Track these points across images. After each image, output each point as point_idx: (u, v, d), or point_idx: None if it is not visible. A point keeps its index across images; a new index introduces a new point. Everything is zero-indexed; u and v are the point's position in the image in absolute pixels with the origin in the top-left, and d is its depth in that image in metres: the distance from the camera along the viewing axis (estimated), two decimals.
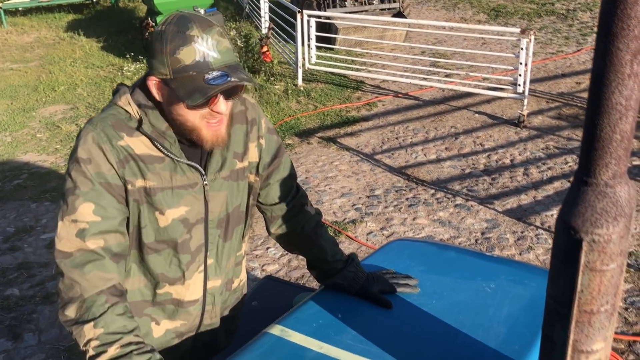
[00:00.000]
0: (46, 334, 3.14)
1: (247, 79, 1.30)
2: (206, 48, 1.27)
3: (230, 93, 1.34)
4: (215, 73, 1.27)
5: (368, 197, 4.44)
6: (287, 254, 3.74)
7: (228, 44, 1.32)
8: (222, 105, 1.33)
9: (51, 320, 3.23)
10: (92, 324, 1.28)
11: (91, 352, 1.28)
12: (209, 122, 1.35)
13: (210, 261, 1.52)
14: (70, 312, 1.31)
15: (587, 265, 0.92)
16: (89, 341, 1.28)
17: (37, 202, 4.62)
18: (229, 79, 1.27)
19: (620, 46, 0.82)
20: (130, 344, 1.28)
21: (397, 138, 5.49)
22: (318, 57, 7.13)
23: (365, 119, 5.98)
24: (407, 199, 4.38)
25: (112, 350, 1.27)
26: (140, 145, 1.37)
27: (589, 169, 0.91)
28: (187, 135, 1.38)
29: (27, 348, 3.05)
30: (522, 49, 5.42)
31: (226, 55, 1.30)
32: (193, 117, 1.33)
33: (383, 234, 3.94)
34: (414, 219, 4.11)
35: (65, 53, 8.91)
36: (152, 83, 1.33)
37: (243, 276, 1.72)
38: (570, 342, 0.98)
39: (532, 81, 6.17)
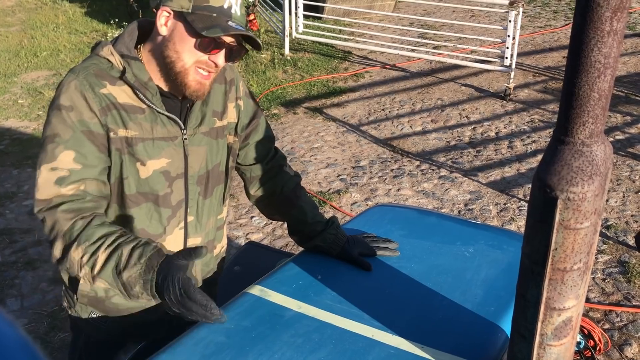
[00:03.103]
0: (28, 299, 3.14)
1: (259, 42, 1.40)
2: (234, 1, 1.34)
3: (233, 53, 1.39)
4: (234, 23, 1.34)
5: (353, 167, 4.45)
6: (271, 222, 3.74)
7: (245, 12, 1.41)
8: (222, 58, 1.37)
9: (33, 285, 3.23)
10: (75, 245, 1.27)
11: (86, 271, 1.26)
12: (199, 69, 1.36)
13: (190, 218, 1.53)
14: (57, 250, 1.30)
15: (561, 223, 0.93)
16: (79, 263, 1.26)
17: (19, 168, 4.57)
18: (247, 31, 1.34)
19: (600, 2, 0.82)
20: (115, 240, 1.27)
21: (383, 109, 5.47)
22: (305, 26, 7.04)
23: (352, 89, 5.95)
24: (392, 170, 4.39)
25: (102, 255, 1.25)
26: (122, 94, 1.37)
27: (566, 128, 0.91)
28: (171, 77, 1.38)
29: (9, 313, 3.04)
30: (510, 21, 5.40)
31: (243, 18, 1.39)
32: (188, 58, 1.35)
33: (367, 205, 3.95)
34: (398, 189, 4.12)
35: (47, 18, 8.72)
36: (163, 13, 1.34)
37: (224, 242, 1.73)
38: (543, 299, 0.99)
39: (519, 54, 6.16)
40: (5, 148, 4.93)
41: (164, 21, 1.35)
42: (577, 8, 0.85)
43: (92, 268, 1.26)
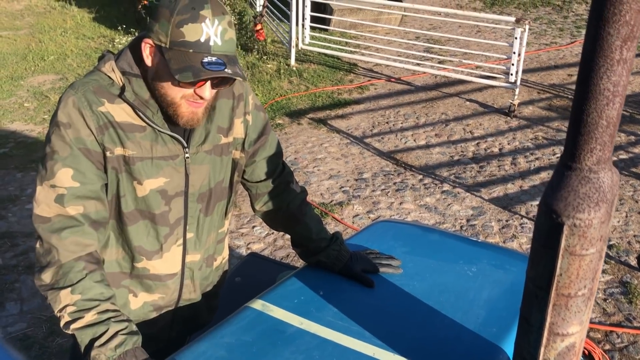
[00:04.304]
0: (28, 303, 3.14)
1: (240, 75, 1.29)
2: (212, 32, 1.26)
3: (219, 83, 1.34)
4: (212, 59, 1.26)
5: (356, 180, 4.45)
6: (272, 233, 3.74)
7: (233, 35, 1.31)
8: (207, 91, 1.32)
9: (34, 290, 3.22)
10: (69, 289, 1.28)
11: (67, 318, 1.27)
12: (188, 101, 1.33)
13: (189, 235, 1.51)
14: (47, 276, 1.30)
15: (567, 249, 0.93)
16: (65, 307, 1.27)
17: (22, 171, 4.58)
18: (224, 68, 1.26)
19: (610, 31, 0.82)
20: (107, 311, 1.28)
21: (387, 122, 5.48)
22: (312, 37, 7.07)
23: (357, 102, 5.97)
24: (394, 184, 4.39)
25: (89, 317, 1.27)
26: (121, 112, 1.35)
27: (573, 154, 0.91)
28: (163, 108, 1.36)
29: (8, 317, 3.04)
30: (516, 38, 5.41)
31: (228, 45, 1.29)
32: (174, 93, 1.32)
33: (369, 217, 3.95)
34: (400, 203, 4.12)
35: (55, 22, 8.77)
36: (147, 46, 1.31)
37: (225, 254, 1.72)
38: (547, 324, 0.99)
39: (524, 71, 6.18)
40: (10, 151, 4.94)
41: (148, 52, 1.32)
42: (587, 36, 0.85)
43: (73, 320, 1.27)
